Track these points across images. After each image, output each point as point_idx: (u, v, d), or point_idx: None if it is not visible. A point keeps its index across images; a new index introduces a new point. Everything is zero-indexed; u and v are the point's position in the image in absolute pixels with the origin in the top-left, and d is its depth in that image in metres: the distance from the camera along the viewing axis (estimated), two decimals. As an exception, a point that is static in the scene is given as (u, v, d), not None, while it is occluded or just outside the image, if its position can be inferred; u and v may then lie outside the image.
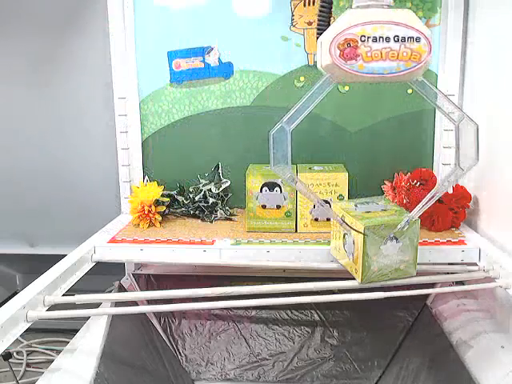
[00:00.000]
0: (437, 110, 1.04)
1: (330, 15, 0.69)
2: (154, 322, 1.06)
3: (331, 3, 0.69)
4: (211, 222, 1.04)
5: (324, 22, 0.69)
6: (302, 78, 1.05)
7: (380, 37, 0.60)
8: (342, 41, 0.60)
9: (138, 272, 1.12)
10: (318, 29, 0.68)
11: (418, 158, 1.06)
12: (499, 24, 0.87)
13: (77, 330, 0.84)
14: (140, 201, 0.99)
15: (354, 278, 0.75)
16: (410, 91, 1.04)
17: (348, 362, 1.03)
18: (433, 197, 0.70)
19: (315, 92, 0.63)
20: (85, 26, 1.25)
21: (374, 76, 0.61)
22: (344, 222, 0.70)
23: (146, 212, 0.99)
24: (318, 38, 0.66)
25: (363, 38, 0.60)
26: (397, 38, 0.60)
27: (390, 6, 0.62)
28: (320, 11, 0.69)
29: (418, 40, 0.60)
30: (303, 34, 1.03)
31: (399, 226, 0.72)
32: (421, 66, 0.61)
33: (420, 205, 0.72)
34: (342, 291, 0.76)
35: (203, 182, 1.10)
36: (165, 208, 1.03)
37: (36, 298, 0.69)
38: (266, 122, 1.05)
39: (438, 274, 0.82)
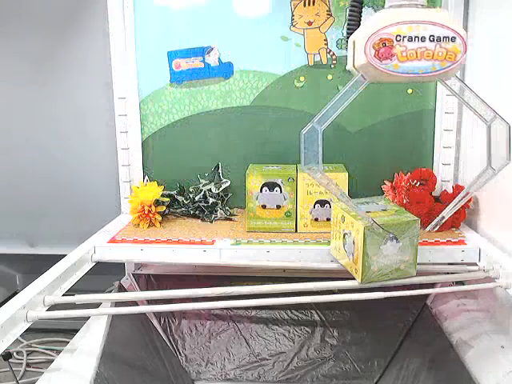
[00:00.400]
0: (437, 110, 1.04)
1: (360, 14, 0.69)
2: (154, 322, 1.06)
3: (362, 2, 0.68)
4: (211, 222, 1.04)
5: (354, 22, 0.68)
6: (301, 78, 1.05)
7: (415, 36, 0.59)
8: (378, 40, 0.59)
9: (138, 272, 1.12)
10: (349, 28, 0.67)
11: (418, 158, 1.06)
12: (499, 24, 0.87)
13: (77, 330, 0.84)
14: (140, 201, 0.99)
15: (353, 278, 0.75)
16: (409, 91, 1.04)
17: (348, 362, 1.03)
18: (464, 197, 0.71)
19: (347, 92, 0.63)
20: (85, 26, 1.25)
21: (408, 76, 0.61)
22: (375, 222, 0.70)
23: (146, 212, 0.99)
24: (348, 38, 0.65)
25: (398, 38, 0.59)
26: (432, 38, 0.60)
27: (423, 6, 0.62)
28: (350, 10, 0.68)
29: (453, 40, 0.60)
30: (303, 34, 1.03)
31: (429, 227, 0.73)
32: (456, 65, 0.61)
33: (451, 205, 0.73)
34: (342, 291, 0.76)
35: (203, 181, 1.10)
36: (165, 208, 1.03)
37: (36, 298, 0.69)
38: (266, 122, 1.07)
39: (438, 274, 0.82)
